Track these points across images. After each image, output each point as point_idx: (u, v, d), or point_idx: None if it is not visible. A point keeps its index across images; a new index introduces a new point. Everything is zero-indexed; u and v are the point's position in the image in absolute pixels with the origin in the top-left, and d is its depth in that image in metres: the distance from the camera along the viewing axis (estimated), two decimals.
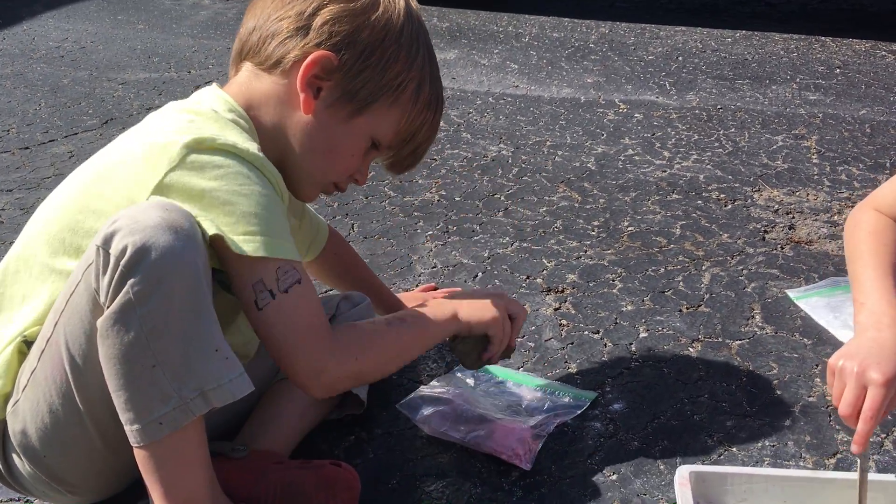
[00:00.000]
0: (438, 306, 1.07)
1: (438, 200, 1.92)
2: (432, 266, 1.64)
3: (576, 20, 3.48)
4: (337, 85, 0.98)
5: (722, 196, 1.89)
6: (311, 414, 1.15)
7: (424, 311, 1.05)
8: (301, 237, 1.29)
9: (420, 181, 2.02)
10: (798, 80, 2.67)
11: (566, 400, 1.21)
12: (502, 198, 1.93)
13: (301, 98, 0.97)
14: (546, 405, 1.19)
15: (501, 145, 2.23)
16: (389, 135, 1.04)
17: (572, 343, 1.38)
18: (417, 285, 1.57)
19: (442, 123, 2.45)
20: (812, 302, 1.44)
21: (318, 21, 0.96)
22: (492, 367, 1.30)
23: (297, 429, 1.14)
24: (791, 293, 1.48)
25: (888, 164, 2.00)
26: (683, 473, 0.99)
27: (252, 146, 0.92)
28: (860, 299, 1.04)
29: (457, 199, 1.93)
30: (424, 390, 1.22)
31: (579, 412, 1.19)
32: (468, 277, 1.59)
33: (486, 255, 1.67)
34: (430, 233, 1.77)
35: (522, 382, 1.26)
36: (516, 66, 2.91)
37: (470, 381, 1.27)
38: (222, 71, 2.85)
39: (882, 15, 3.43)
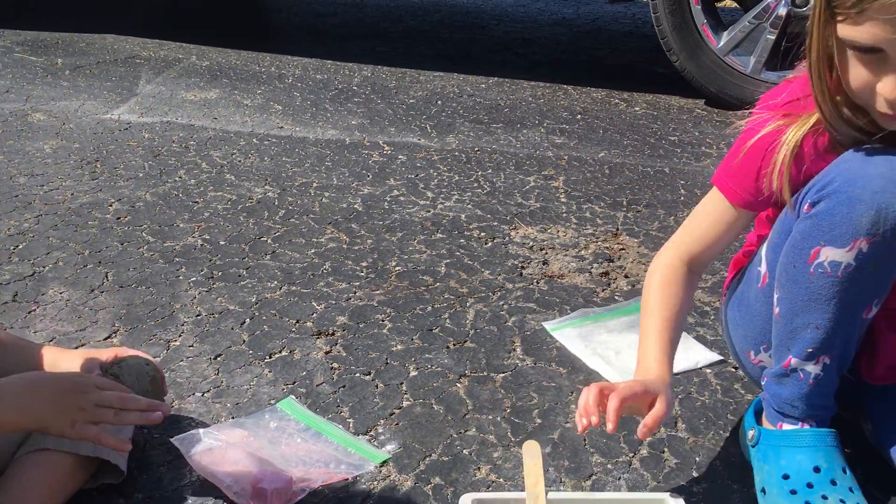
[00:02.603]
0: None
1: (202, 245, 1.84)
2: (196, 314, 1.57)
3: (339, 62, 3.52)
4: None
5: (482, 234, 1.99)
6: (62, 485, 1.06)
7: None
8: None
9: (181, 225, 1.93)
10: (545, 124, 2.88)
11: (355, 458, 1.20)
12: (269, 241, 1.89)
13: None
14: (331, 462, 1.18)
15: (267, 187, 2.20)
16: None
17: (344, 386, 1.38)
18: (181, 335, 1.49)
19: (203, 165, 2.39)
20: (566, 333, 1.55)
21: None
22: (298, 413, 1.28)
23: (49, 501, 1.04)
24: (547, 325, 1.58)
25: (625, 203, 2.20)
26: (466, 502, 1.02)
27: None
28: (639, 356, 1.17)
29: (221, 243, 1.86)
30: (209, 431, 1.18)
31: (358, 473, 1.18)
32: (235, 324, 1.54)
33: (253, 300, 1.63)
34: (194, 279, 1.69)
35: (322, 432, 1.25)
36: (280, 107, 2.88)
37: (273, 425, 1.25)
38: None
39: (615, 66, 3.81)
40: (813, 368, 1.09)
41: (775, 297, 1.11)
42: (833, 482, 1.07)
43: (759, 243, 1.24)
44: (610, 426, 1.01)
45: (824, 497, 1.06)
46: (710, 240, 1.22)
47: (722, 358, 1.48)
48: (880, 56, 0.94)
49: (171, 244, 1.84)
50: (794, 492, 1.07)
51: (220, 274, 1.72)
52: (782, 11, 2.90)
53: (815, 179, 1.04)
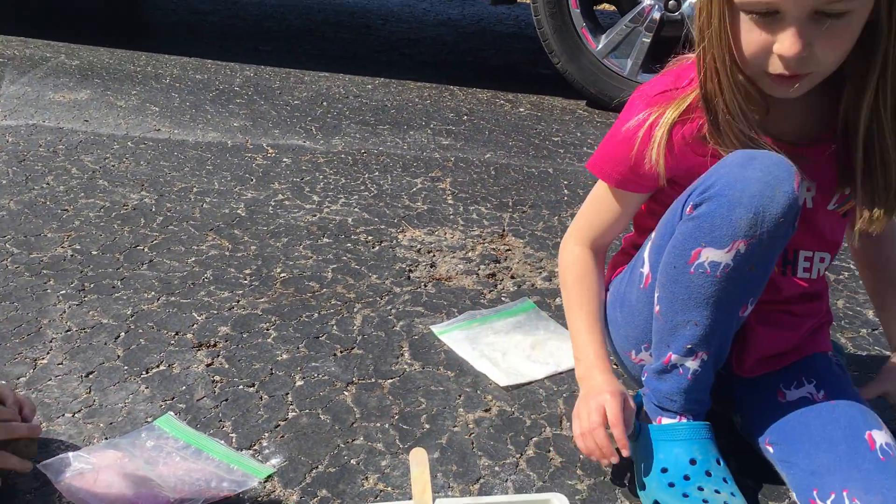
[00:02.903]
0: None
1: (72, 256, 1.75)
2: (66, 330, 1.48)
3: (219, 62, 3.43)
4: None
5: (370, 238, 1.97)
6: None
7: None
8: None
9: (49, 235, 1.83)
10: (432, 125, 2.88)
11: (238, 474, 1.16)
12: (146, 249, 1.81)
13: None
14: (213, 480, 1.13)
15: (143, 193, 2.11)
16: None
17: (227, 400, 1.33)
18: (49, 352, 1.41)
19: (73, 170, 2.28)
20: (453, 336, 1.55)
21: None
22: (177, 430, 1.23)
23: None
24: (435, 329, 1.58)
25: (510, 203, 2.23)
26: None
27: None
28: (577, 354, 1.26)
29: (94, 253, 1.77)
30: (79, 454, 1.12)
31: (241, 490, 1.14)
32: (109, 339, 1.47)
33: (129, 312, 1.56)
34: (63, 292, 1.60)
35: (203, 449, 1.20)
36: (157, 109, 2.78)
37: (150, 444, 1.19)
38: None
39: (499, 67, 3.86)
40: (692, 364, 1.13)
41: (656, 295, 1.14)
42: (708, 473, 1.12)
43: (639, 246, 1.28)
44: (626, 452, 1.12)
45: (700, 488, 1.10)
46: (606, 225, 1.29)
47: None
48: (776, 17, 0.98)
49: (37, 255, 1.74)
50: (672, 484, 1.11)
51: (91, 286, 1.64)
52: (657, 15, 3.01)
53: (698, 182, 1.08)
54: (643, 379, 1.22)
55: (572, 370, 1.47)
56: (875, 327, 1.72)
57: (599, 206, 1.29)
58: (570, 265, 1.31)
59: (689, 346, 1.12)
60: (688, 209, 1.08)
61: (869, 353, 1.62)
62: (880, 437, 1.09)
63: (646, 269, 1.19)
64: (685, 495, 1.09)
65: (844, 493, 1.04)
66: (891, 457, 1.07)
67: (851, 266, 2.01)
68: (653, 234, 1.19)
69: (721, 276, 1.06)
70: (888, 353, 1.63)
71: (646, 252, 1.20)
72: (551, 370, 1.46)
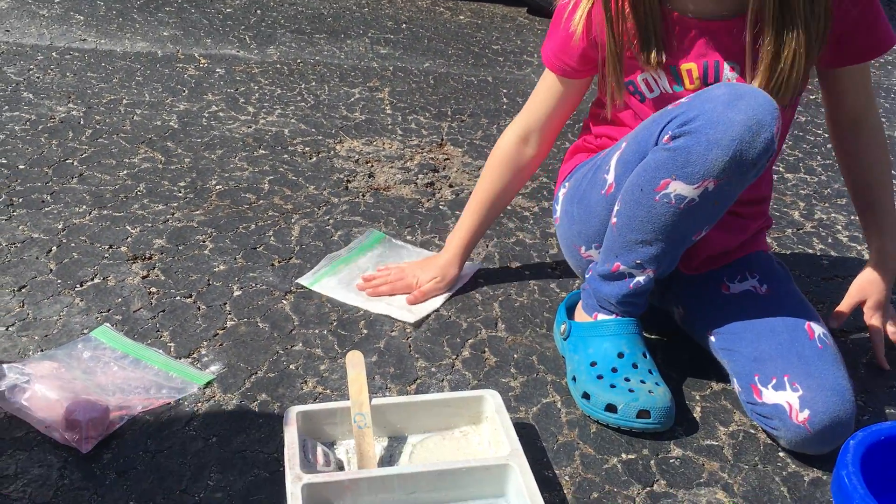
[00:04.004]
0: None
1: None
2: None
3: None
4: None
5: (307, 149, 1.95)
6: None
7: None
8: None
9: None
10: (370, 34, 2.83)
11: (177, 382, 1.17)
12: (76, 163, 1.77)
13: None
14: (152, 387, 1.14)
15: (71, 105, 2.04)
16: None
17: (164, 311, 1.33)
18: None
19: None
20: (325, 284, 1.43)
21: None
22: (114, 340, 1.24)
23: None
24: (302, 281, 1.43)
25: (449, 112, 2.22)
26: (291, 415, 1.03)
27: None
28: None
29: (21, 167, 1.73)
30: (13, 366, 1.12)
31: (181, 396, 1.15)
32: (41, 253, 1.44)
33: (60, 226, 1.53)
34: None
35: (142, 358, 1.20)
36: (82, 18, 2.66)
37: (86, 355, 1.19)
38: None
39: None
40: (639, 276, 1.16)
41: (616, 208, 1.16)
42: (634, 366, 1.16)
43: (596, 140, 1.33)
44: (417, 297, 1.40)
45: (627, 379, 1.15)
46: (544, 113, 1.33)
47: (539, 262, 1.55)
48: None
49: None
50: (600, 377, 1.16)
51: (20, 200, 1.60)
52: None
53: (679, 110, 1.07)
54: (587, 276, 1.25)
55: (505, 268, 1.51)
56: (800, 227, 1.78)
57: (542, 93, 1.33)
58: (495, 149, 1.39)
59: (639, 262, 1.15)
60: (664, 138, 1.07)
61: (793, 252, 1.68)
62: (818, 328, 1.15)
63: (610, 178, 1.19)
64: (612, 386, 1.14)
65: (785, 378, 1.09)
66: (827, 345, 1.13)
67: (781, 168, 2.07)
68: (622, 144, 1.20)
69: (684, 209, 1.08)
70: (811, 251, 1.70)
71: (613, 160, 1.19)
72: (447, 293, 1.43)
